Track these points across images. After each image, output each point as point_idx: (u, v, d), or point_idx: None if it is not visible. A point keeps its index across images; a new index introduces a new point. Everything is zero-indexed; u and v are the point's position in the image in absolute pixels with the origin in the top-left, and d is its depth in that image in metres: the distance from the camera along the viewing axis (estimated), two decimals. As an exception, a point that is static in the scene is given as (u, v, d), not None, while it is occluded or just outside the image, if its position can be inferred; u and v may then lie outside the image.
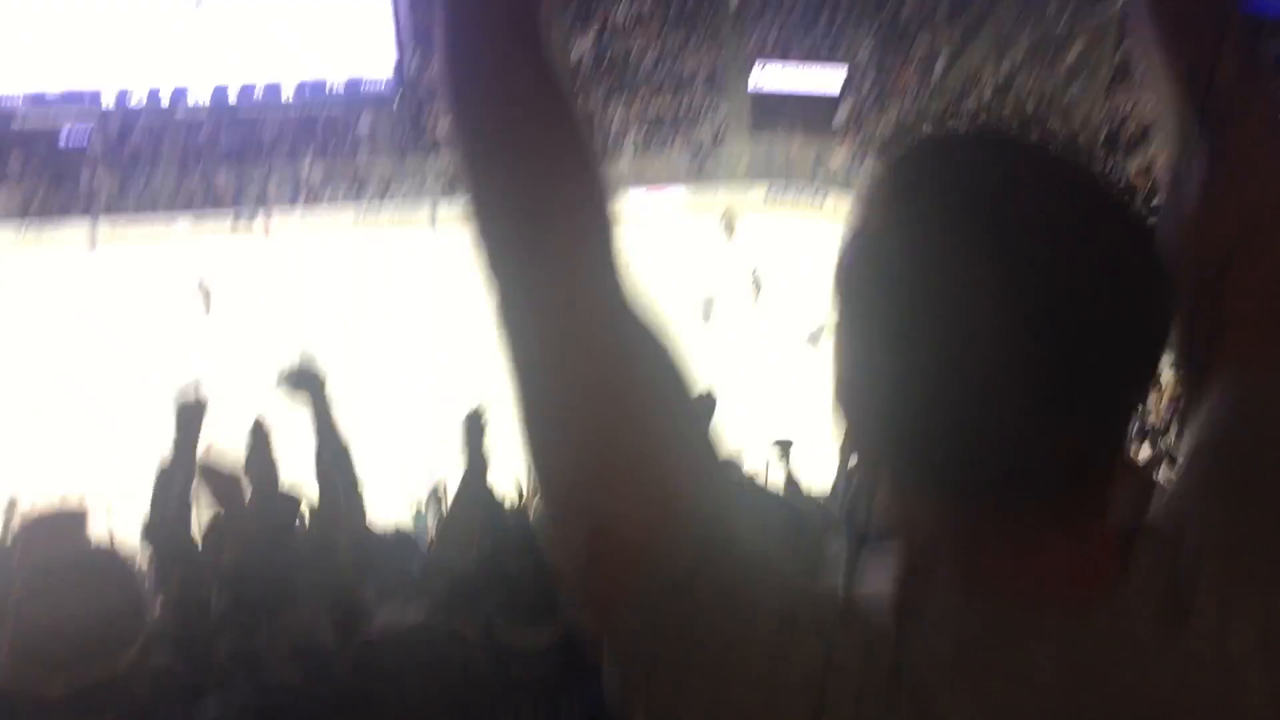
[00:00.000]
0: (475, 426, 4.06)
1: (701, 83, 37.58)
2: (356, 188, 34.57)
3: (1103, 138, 31.45)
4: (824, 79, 36.89)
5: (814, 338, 27.15)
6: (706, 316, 26.83)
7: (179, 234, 33.03)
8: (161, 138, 35.21)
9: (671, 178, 35.51)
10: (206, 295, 27.00)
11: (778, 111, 36.54)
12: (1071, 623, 0.87)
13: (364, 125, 35.87)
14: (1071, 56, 34.34)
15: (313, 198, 34.25)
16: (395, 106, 35.46)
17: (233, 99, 32.72)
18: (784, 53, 37.77)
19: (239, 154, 35.02)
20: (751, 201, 35.25)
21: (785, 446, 9.37)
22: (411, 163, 35.33)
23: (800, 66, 37.14)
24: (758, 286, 29.38)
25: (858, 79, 37.20)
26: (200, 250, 32.32)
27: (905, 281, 0.87)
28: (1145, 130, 31.50)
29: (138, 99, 32.52)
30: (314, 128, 35.65)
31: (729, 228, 30.31)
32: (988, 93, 35.21)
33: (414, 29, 36.39)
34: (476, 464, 4.02)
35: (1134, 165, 30.35)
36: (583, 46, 38.01)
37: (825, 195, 35.20)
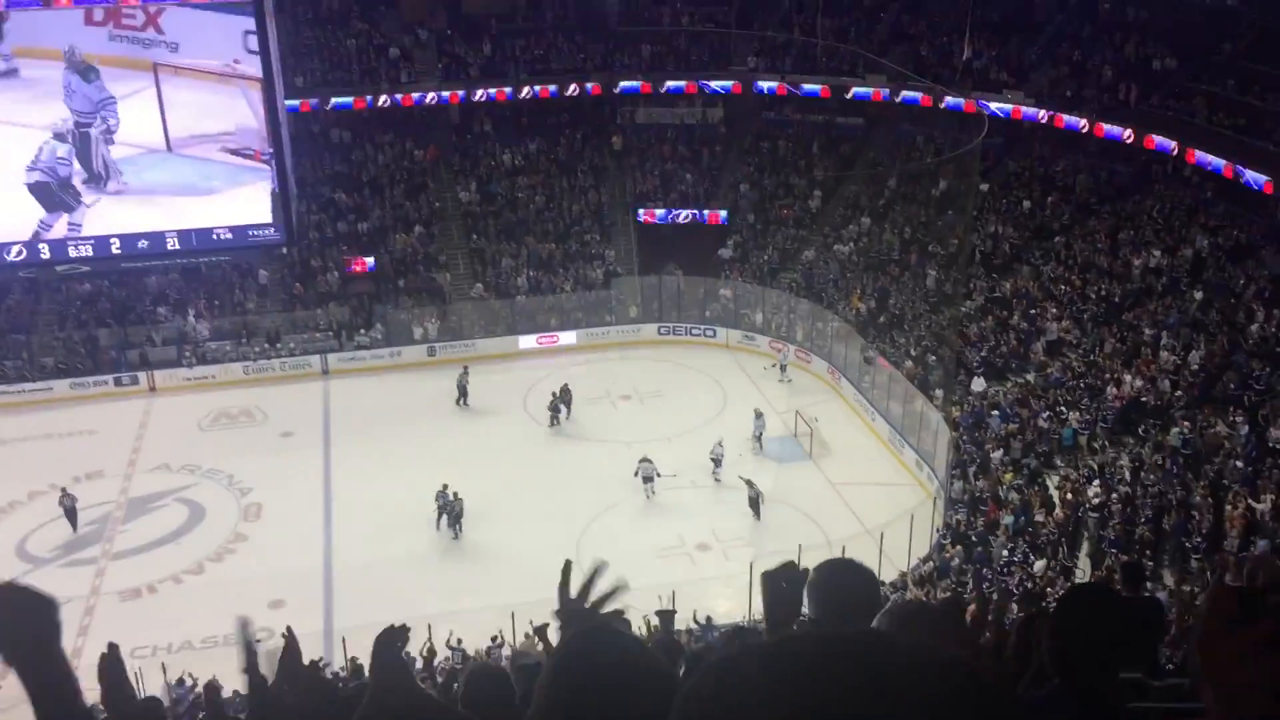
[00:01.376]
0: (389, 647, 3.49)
1: (588, 226, 38.26)
2: (246, 339, 34.05)
3: (976, 260, 32.78)
4: (707, 216, 37.90)
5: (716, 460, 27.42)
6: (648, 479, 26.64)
7: (59, 396, 32.01)
8: (40, 293, 34.36)
9: (562, 322, 35.81)
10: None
11: (665, 250, 37.29)
12: None
13: (259, 275, 35.52)
14: (941, 186, 35.98)
15: (200, 351, 33.59)
16: (285, 253, 35.30)
17: (116, 248, 32.15)
18: (667, 193, 38.79)
19: (123, 307, 34.31)
20: (643, 339, 35.70)
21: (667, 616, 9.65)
22: (302, 313, 35.03)
23: (683, 209, 38.14)
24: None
25: (741, 213, 38.30)
26: (81, 414, 31.42)
27: None
28: (1016, 253, 32.95)
29: (16, 252, 31.82)
30: (201, 278, 35.22)
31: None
32: (866, 221, 36.57)
33: (299, 177, 36.53)
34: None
35: (1007, 285, 31.62)
36: (470, 192, 38.54)
37: (714, 328, 35.85)
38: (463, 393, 31.58)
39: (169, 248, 32.42)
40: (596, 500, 26.79)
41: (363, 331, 34.86)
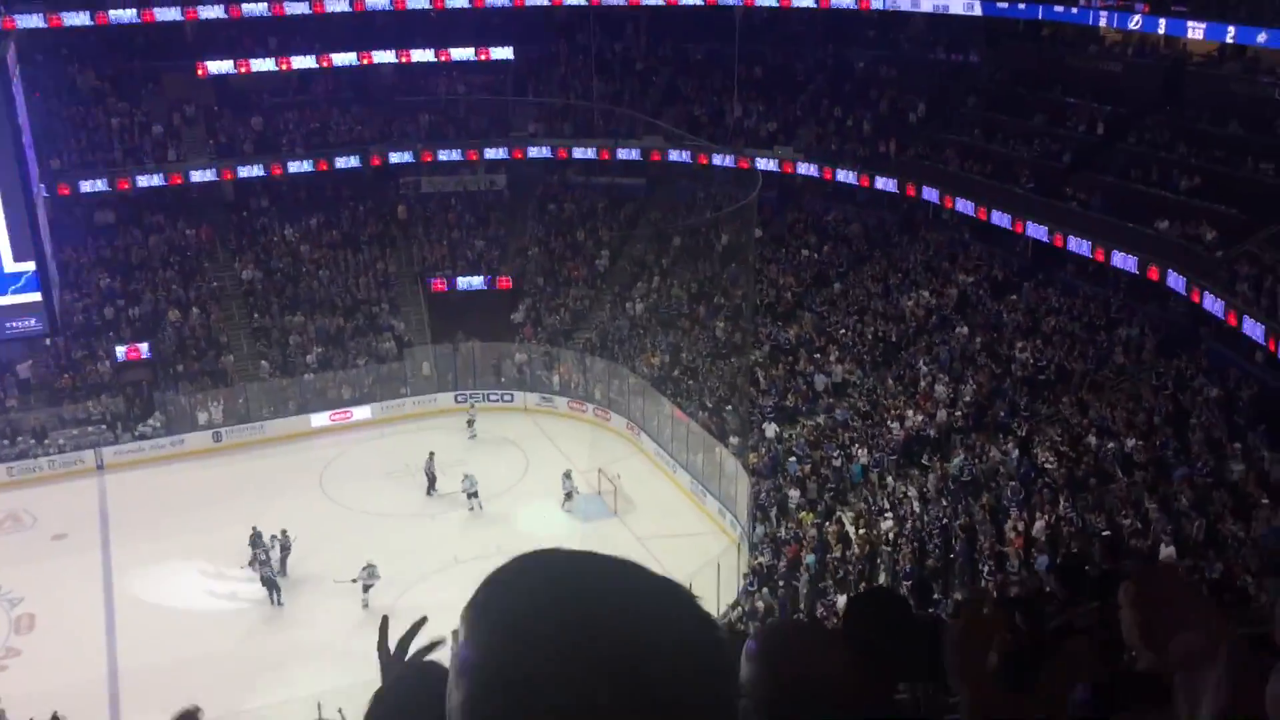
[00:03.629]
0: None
1: (377, 298, 37.60)
2: (9, 439, 31.73)
3: (761, 309, 33.91)
4: (498, 281, 37.90)
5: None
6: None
7: None
8: None
9: (355, 397, 34.95)
10: None
11: (457, 318, 36.99)
12: None
13: (19, 370, 33.21)
14: (723, 240, 37.16)
15: (-44, 456, 31.11)
16: (48, 344, 33.18)
17: None
18: (454, 261, 38.60)
19: None
20: (440, 408, 35.21)
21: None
22: (71, 406, 32.94)
23: (472, 275, 38.03)
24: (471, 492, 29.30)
25: (530, 277, 38.45)
26: None
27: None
28: (798, 301, 34.25)
29: None
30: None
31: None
32: (655, 278, 37.34)
33: (60, 265, 34.53)
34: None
35: (791, 332, 32.82)
36: (251, 270, 37.30)
37: (511, 393, 35.74)
38: (431, 480, 29.86)
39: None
40: (402, 576, 26.06)
41: (142, 421, 33.03)
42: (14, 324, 30.41)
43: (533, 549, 1.23)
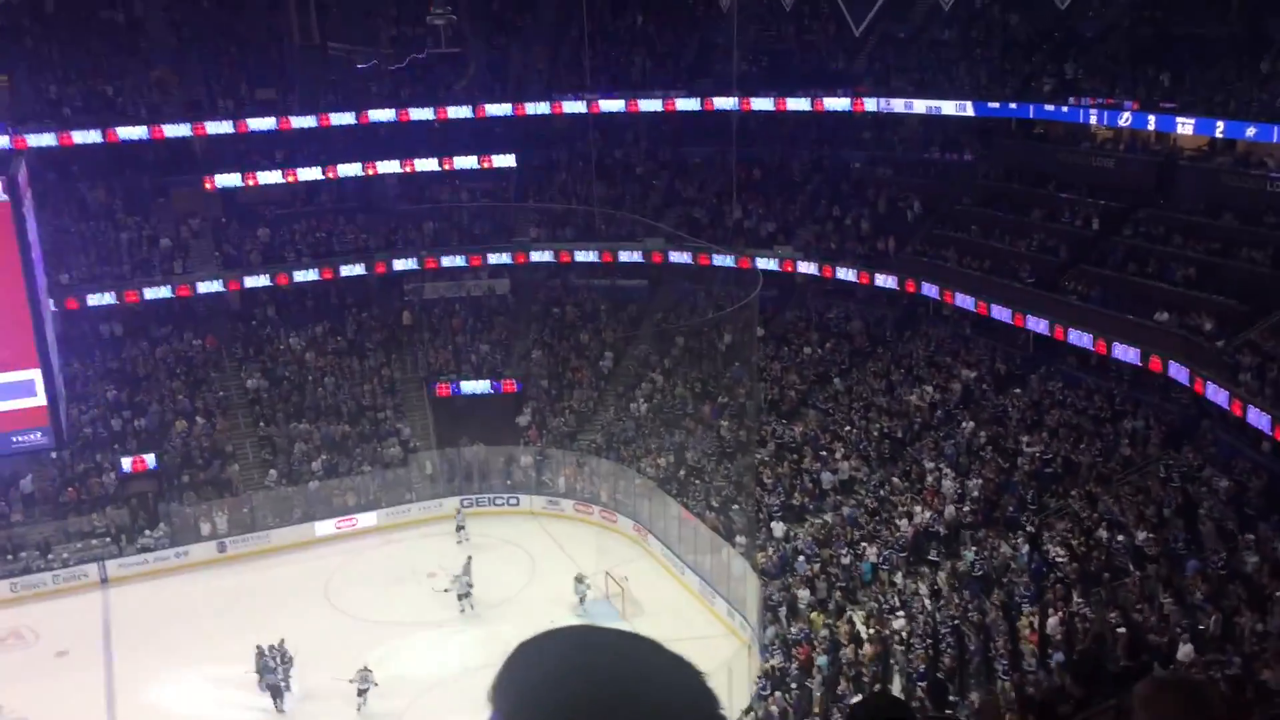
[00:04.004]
0: None
1: (382, 404, 37.71)
2: (12, 554, 31.55)
3: (765, 407, 33.97)
4: (502, 385, 38.04)
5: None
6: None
7: None
8: None
9: (361, 503, 34.82)
10: None
11: (462, 422, 37.07)
12: None
13: (22, 485, 33.18)
14: (726, 339, 37.40)
15: (-40, 572, 30.90)
16: (54, 458, 33.19)
17: None
18: (459, 366, 38.81)
19: None
20: (446, 513, 35.05)
21: None
22: (75, 519, 32.82)
23: (477, 379, 38.19)
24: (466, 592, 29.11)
25: (535, 380, 38.60)
26: None
27: None
28: (802, 398, 34.32)
29: None
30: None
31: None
32: (657, 378, 37.48)
33: (67, 378, 34.72)
34: None
35: (796, 430, 32.81)
36: (256, 379, 37.50)
37: (517, 496, 35.62)
38: (465, 591, 29.48)
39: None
40: (408, 686, 25.75)
41: (146, 533, 32.88)
42: (21, 438, 30.45)
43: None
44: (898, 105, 35.57)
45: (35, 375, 30.11)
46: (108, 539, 32.53)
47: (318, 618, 28.99)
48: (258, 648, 25.83)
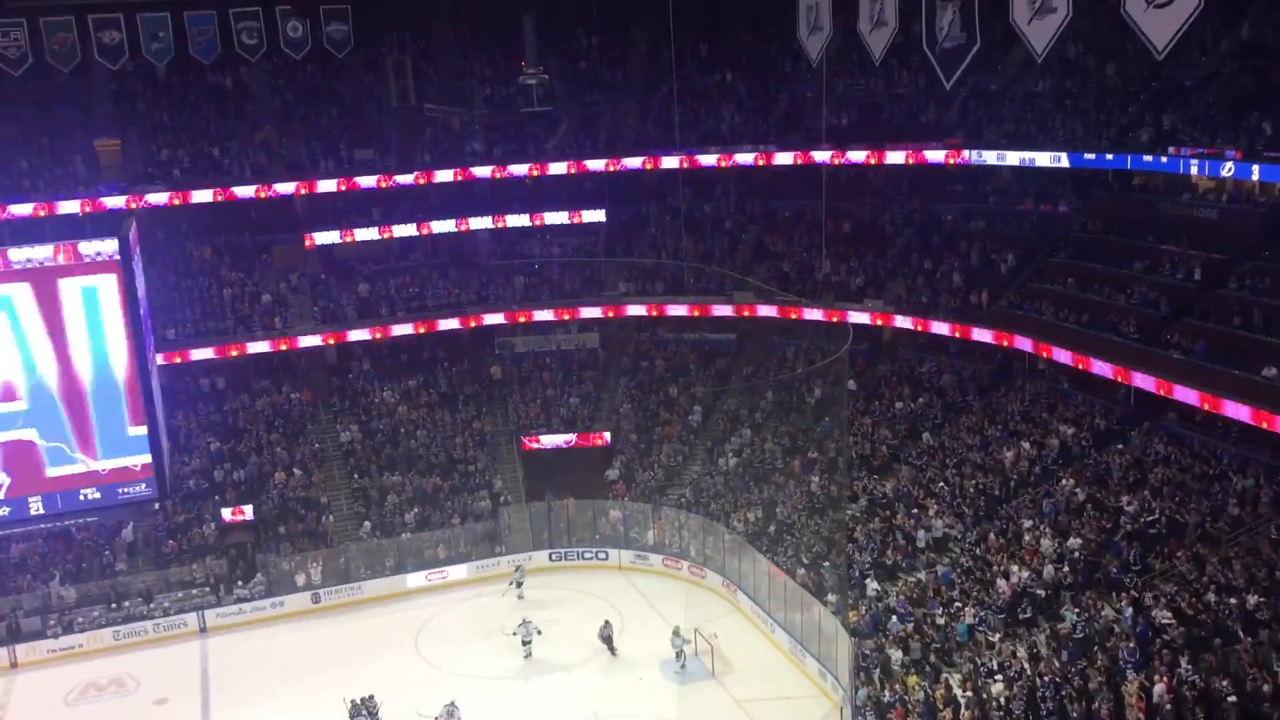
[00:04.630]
0: None
1: (473, 457, 38.09)
2: (116, 602, 32.39)
3: (856, 463, 33.50)
4: (592, 439, 38.17)
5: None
6: None
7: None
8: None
9: (451, 556, 35.05)
10: None
11: (551, 475, 37.27)
12: None
13: (123, 535, 34.14)
14: (815, 394, 37.09)
15: (67, 620, 31.76)
16: (156, 509, 34.10)
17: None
18: (548, 419, 39.07)
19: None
20: (535, 566, 35.13)
21: None
22: (176, 569, 33.62)
23: (566, 433, 38.39)
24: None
25: (624, 434, 38.65)
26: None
27: None
28: (894, 454, 33.80)
29: None
30: (66, 542, 33.70)
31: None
32: (746, 432, 37.24)
33: (170, 431, 35.74)
34: None
35: (888, 486, 32.30)
36: (351, 431, 38.20)
37: (606, 550, 35.53)
38: (609, 644, 29.87)
39: (32, 513, 30.97)
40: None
41: (242, 584, 33.51)
42: (126, 490, 31.35)
43: None
44: (990, 157, 35.17)
45: (142, 432, 30.99)
46: (207, 589, 33.24)
47: (407, 669, 29.16)
48: (350, 701, 26.05)
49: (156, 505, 33.71)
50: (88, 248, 29.70)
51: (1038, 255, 35.24)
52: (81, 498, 31.00)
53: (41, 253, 29.43)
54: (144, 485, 31.49)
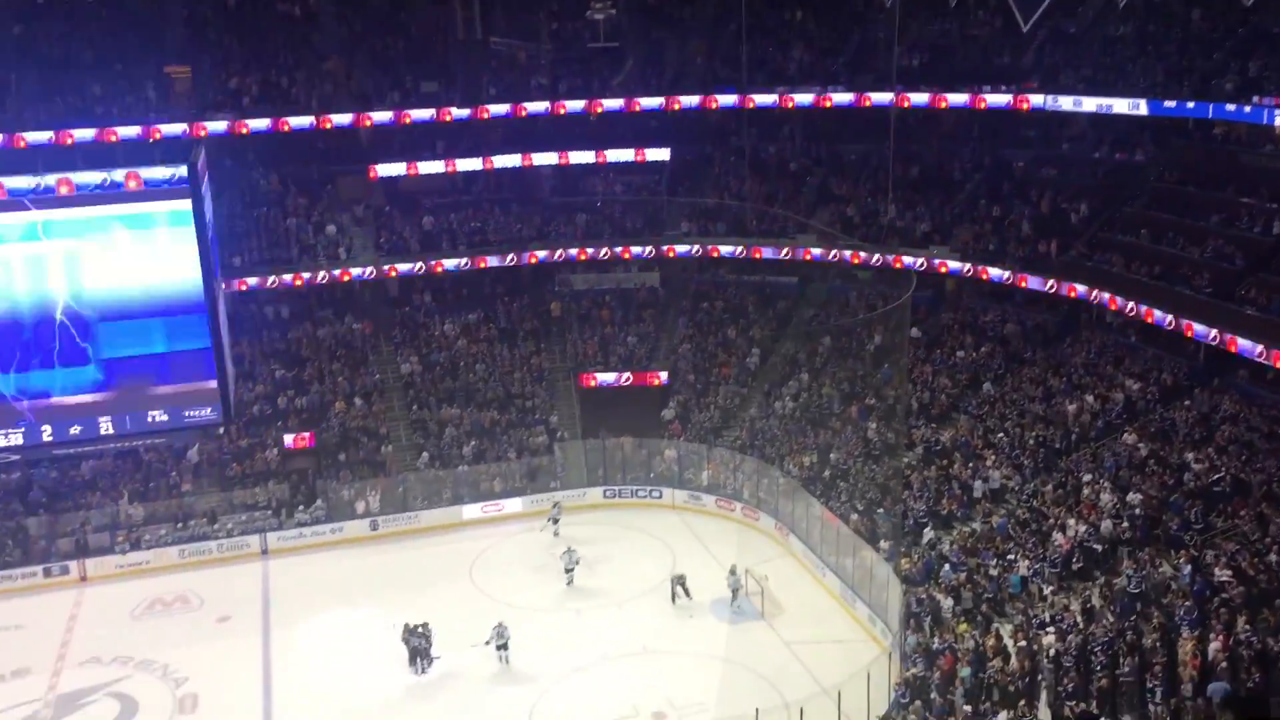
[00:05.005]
0: None
1: (530, 392, 38.36)
2: (182, 521, 33.25)
3: (915, 411, 33.24)
4: (649, 378, 38.21)
5: None
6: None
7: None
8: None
9: (506, 489, 35.44)
10: None
11: (607, 413, 37.40)
12: None
13: (189, 456, 34.94)
14: (875, 340, 36.75)
15: (134, 536, 32.69)
16: (221, 433, 34.82)
17: (47, 435, 31.37)
18: (606, 357, 39.14)
19: (53, 495, 33.45)
20: (589, 502, 35.44)
21: None
22: (240, 492, 34.38)
23: (623, 371, 38.45)
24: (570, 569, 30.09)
25: (681, 374, 38.67)
26: (7, 608, 30.29)
27: None
28: (953, 403, 33.48)
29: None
30: (135, 462, 34.55)
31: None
32: (804, 376, 37.07)
33: (236, 357, 36.36)
34: None
35: (946, 435, 32.03)
36: (411, 364, 38.61)
37: (660, 489, 35.71)
38: (570, 569, 30.58)
39: (102, 432, 31.79)
40: (547, 671, 26.14)
41: (303, 509, 34.21)
42: (191, 413, 32.01)
43: None
44: (1066, 103, 34.27)
45: (208, 357, 31.59)
46: (269, 512, 33.97)
47: (461, 598, 29.68)
48: (405, 625, 26.61)
49: (221, 429, 34.41)
50: (157, 173, 30.16)
51: (1111, 205, 34.43)
52: (149, 419, 31.73)
53: (112, 177, 29.89)
54: (209, 409, 32.14)
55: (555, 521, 33.50)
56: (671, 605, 28.87)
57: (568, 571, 30.29)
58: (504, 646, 26.47)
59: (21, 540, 32.24)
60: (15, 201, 29.36)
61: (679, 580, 29.25)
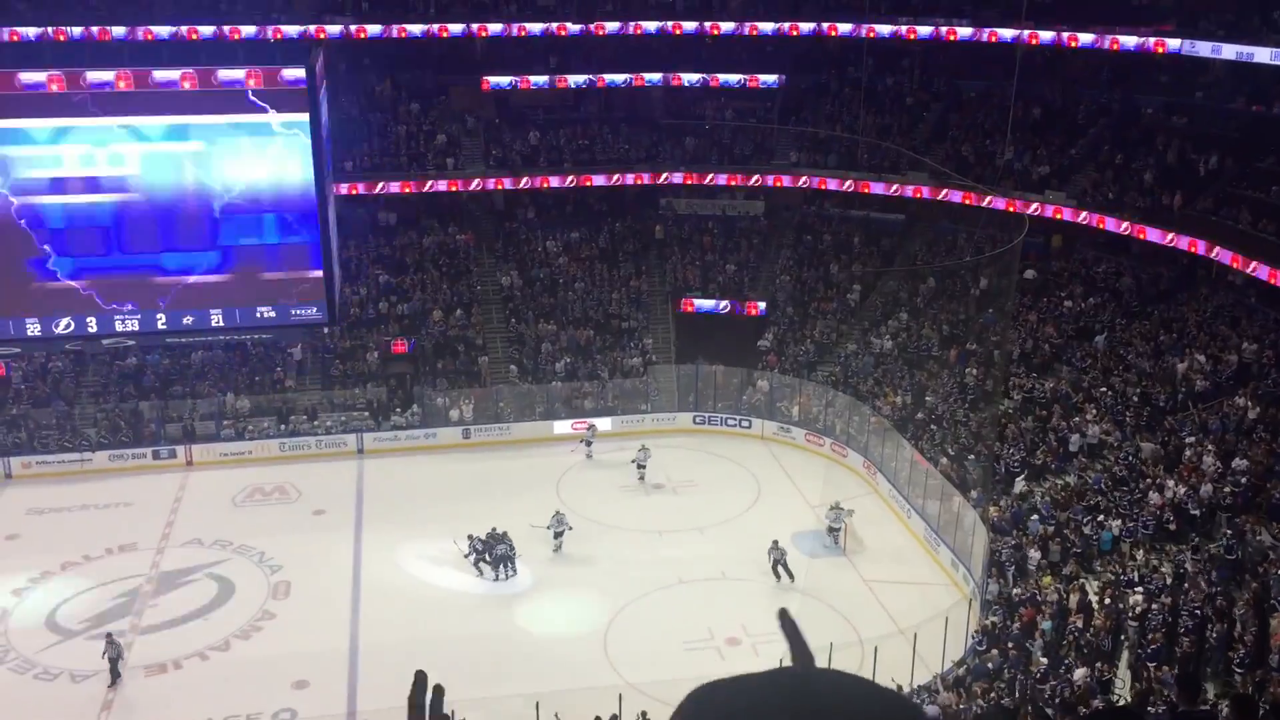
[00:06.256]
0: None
1: (627, 314, 38.46)
2: (285, 416, 34.31)
3: (1015, 359, 32.58)
4: (746, 307, 38.01)
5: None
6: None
7: (97, 467, 32.30)
8: (85, 365, 34.89)
9: (598, 408, 35.78)
10: None
11: (703, 340, 37.34)
12: None
13: (293, 353, 35.93)
14: (981, 284, 35.96)
15: (239, 427, 33.86)
16: (325, 335, 35.70)
17: (162, 324, 32.55)
18: (707, 284, 39.01)
19: (164, 382, 34.73)
20: (678, 427, 35.62)
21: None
22: (340, 392, 35.30)
23: (722, 299, 38.30)
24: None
25: (780, 306, 38.38)
26: (118, 485, 31.67)
27: None
28: (1057, 353, 32.71)
29: (65, 325, 32.12)
30: (243, 355, 35.64)
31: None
32: (904, 316, 36.53)
33: (343, 260, 37.09)
34: None
35: (1047, 386, 31.34)
36: (511, 277, 38.97)
37: (750, 419, 35.70)
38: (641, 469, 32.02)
39: (213, 324, 32.87)
40: (625, 589, 26.54)
41: (399, 412, 35.02)
42: (298, 311, 32.86)
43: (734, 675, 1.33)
44: (1204, 49, 32.70)
45: (316, 257, 32.36)
46: (366, 413, 34.85)
47: (547, 511, 30.17)
48: (490, 531, 27.20)
49: (325, 329, 35.27)
50: (276, 74, 30.62)
51: (1244, 159, 32.95)
52: (258, 315, 32.71)
53: (233, 75, 30.47)
54: (315, 309, 32.98)
55: (588, 444, 33.60)
56: (750, 530, 28.82)
57: (640, 468, 31.75)
58: (560, 534, 27.57)
59: (134, 423, 33.63)
60: (165, 95, 30.31)
61: (780, 559, 26.92)
